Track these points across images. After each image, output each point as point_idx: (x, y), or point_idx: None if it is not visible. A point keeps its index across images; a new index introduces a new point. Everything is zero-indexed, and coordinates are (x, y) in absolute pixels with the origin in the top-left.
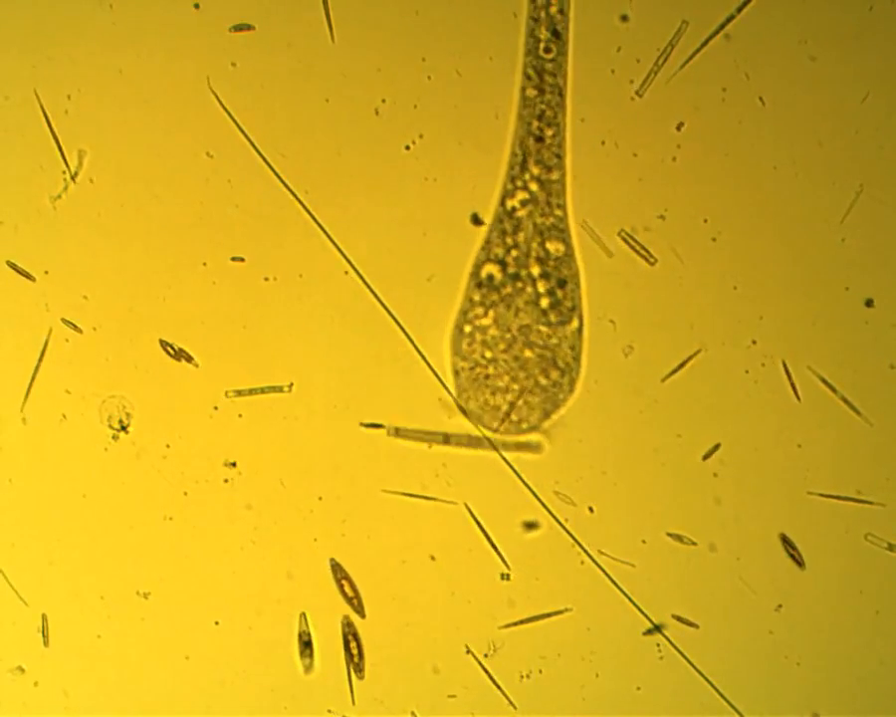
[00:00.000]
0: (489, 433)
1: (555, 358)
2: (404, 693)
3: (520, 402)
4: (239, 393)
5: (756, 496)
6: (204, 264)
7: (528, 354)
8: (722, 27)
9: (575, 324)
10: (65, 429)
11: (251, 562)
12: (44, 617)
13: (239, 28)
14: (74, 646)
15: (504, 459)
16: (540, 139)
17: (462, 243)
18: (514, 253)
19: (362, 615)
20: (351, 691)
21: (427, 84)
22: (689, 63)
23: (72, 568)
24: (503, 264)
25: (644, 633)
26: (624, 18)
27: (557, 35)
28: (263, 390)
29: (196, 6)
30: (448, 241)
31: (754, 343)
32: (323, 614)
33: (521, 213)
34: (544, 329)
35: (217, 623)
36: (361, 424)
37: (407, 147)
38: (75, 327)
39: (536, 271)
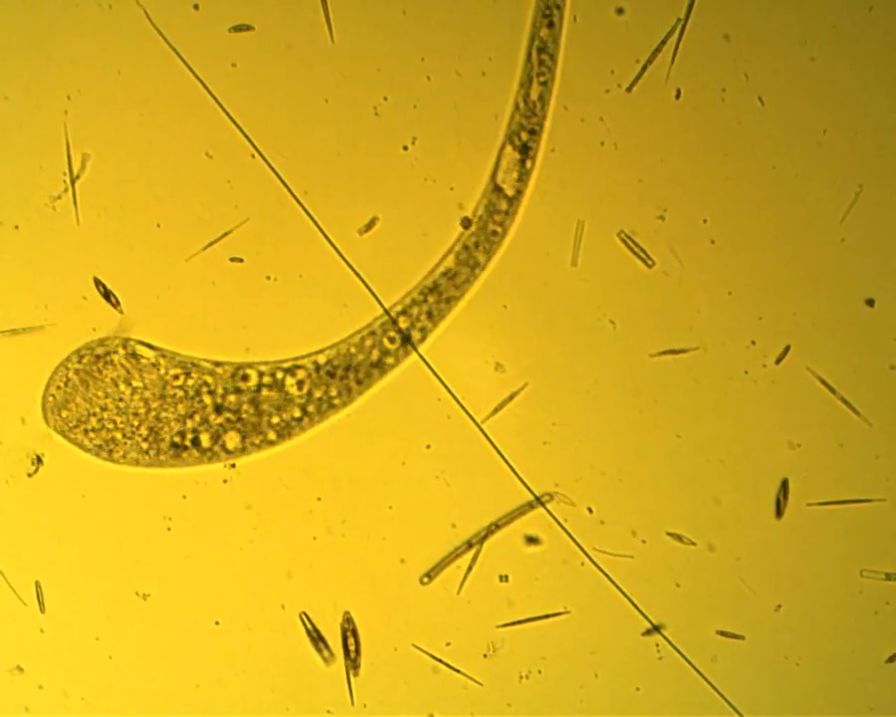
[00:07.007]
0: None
1: None
2: (404, 693)
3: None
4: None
5: (756, 496)
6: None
7: None
8: (689, 10)
9: None
10: None
11: (251, 562)
12: (37, 585)
13: (239, 28)
14: (74, 647)
15: (500, 454)
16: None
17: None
18: None
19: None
20: (350, 692)
21: (427, 84)
22: (688, 63)
23: (72, 568)
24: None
25: (644, 633)
26: (620, 11)
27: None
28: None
29: (196, 6)
30: (448, 241)
31: (753, 343)
32: (322, 615)
33: None
34: None
35: (217, 623)
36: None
37: (406, 147)
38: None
39: None
